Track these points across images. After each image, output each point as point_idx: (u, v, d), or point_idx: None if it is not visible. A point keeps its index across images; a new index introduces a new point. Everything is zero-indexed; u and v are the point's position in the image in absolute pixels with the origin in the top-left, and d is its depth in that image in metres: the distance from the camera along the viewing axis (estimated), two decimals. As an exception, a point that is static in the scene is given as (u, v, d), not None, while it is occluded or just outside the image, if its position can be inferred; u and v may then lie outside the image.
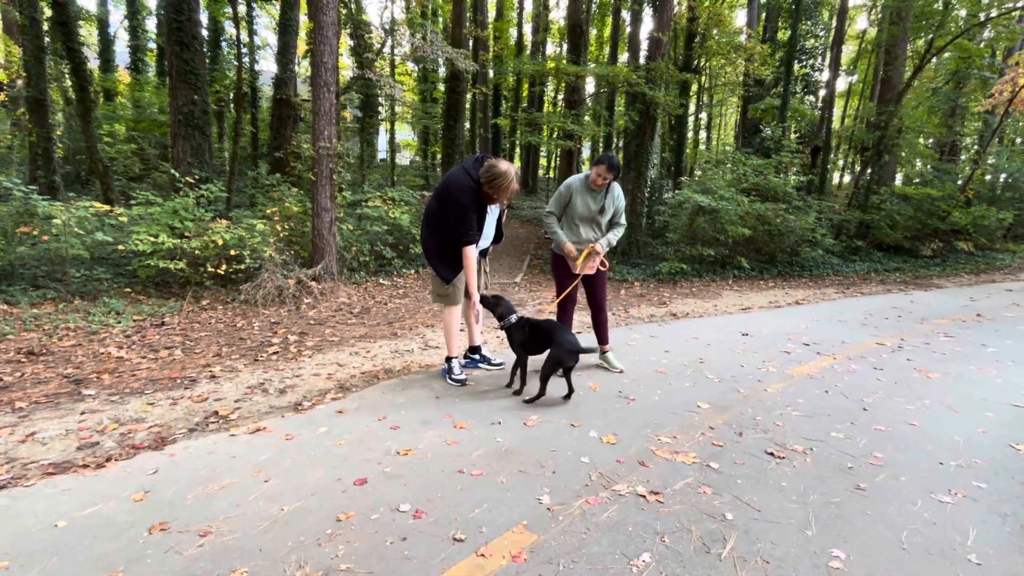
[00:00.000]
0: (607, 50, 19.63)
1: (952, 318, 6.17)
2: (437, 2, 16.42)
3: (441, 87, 17.85)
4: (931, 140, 15.96)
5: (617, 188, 3.64)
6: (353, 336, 4.74)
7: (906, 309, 6.71)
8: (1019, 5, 12.35)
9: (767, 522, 2.03)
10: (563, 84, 12.31)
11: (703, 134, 27.18)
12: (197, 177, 6.75)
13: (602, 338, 3.93)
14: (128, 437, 2.60)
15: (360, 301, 6.25)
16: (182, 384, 3.37)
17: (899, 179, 15.23)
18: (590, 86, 13.20)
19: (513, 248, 11.58)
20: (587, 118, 11.81)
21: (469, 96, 14.20)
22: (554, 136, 11.82)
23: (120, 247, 5.47)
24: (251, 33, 13.79)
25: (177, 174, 6.45)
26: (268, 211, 6.98)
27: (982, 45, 12.82)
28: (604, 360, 3.92)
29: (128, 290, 5.58)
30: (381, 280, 7.46)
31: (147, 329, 4.62)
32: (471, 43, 14.44)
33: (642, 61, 11.04)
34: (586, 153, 22.97)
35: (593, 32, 20.30)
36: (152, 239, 5.36)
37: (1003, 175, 13.95)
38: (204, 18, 13.94)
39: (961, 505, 2.21)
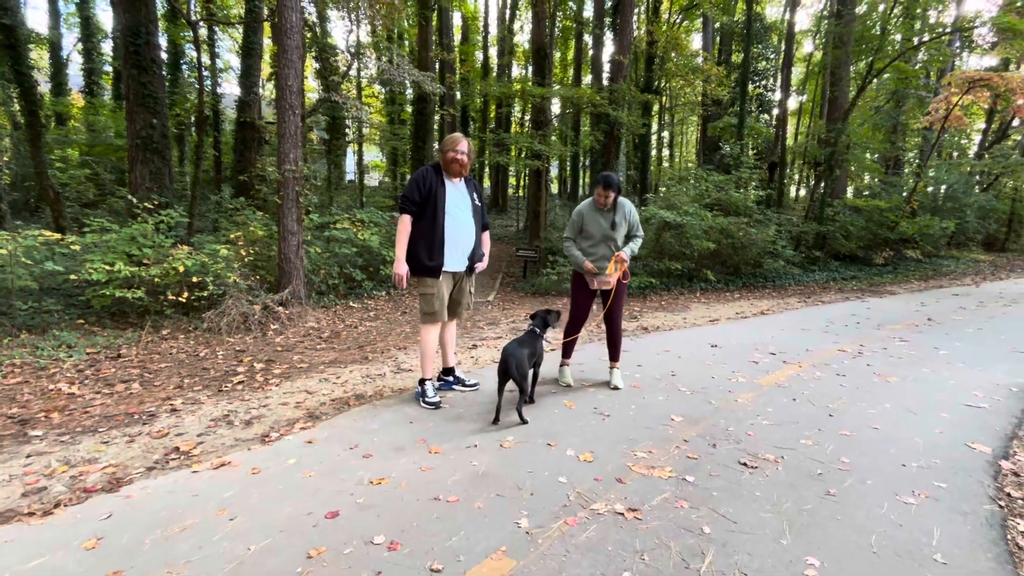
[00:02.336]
0: (571, 72, 20.19)
1: (906, 323, 6.46)
2: (403, 26, 16.60)
3: (409, 109, 17.94)
4: (877, 155, 16.92)
5: (628, 204, 3.76)
6: (322, 362, 4.62)
7: (864, 316, 6.99)
8: (948, 31, 13.36)
9: (743, 533, 2.05)
10: (529, 105, 12.55)
11: (666, 152, 28.07)
12: (156, 202, 6.54)
13: (612, 354, 3.95)
14: (79, 480, 2.44)
15: (329, 325, 6.11)
16: (140, 419, 3.20)
17: (850, 192, 16.04)
18: (556, 107, 13.51)
19: (485, 267, 11.58)
20: (554, 138, 12.04)
21: (437, 117, 14.32)
22: (522, 156, 12.02)
23: (72, 276, 5.21)
24: (213, 56, 13.60)
25: (135, 200, 6.24)
26: (232, 236, 6.81)
27: (918, 67, 13.77)
28: (610, 375, 3.93)
29: (81, 321, 5.31)
30: (351, 303, 7.32)
31: (102, 362, 4.39)
32: (438, 66, 14.63)
33: (605, 83, 11.38)
34: (554, 172, 23.37)
35: (557, 55, 20.85)
36: (107, 267, 5.13)
37: (943, 187, 14.88)
38: (163, 41, 13.71)
39: (925, 506, 2.29)
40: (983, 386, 3.95)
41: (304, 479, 2.43)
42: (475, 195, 3.56)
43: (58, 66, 14.88)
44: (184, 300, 5.59)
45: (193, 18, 9.07)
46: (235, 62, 15.28)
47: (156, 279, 5.39)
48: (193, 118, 13.66)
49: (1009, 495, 2.39)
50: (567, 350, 3.99)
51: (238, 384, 3.94)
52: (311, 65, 15.76)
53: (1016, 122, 16.04)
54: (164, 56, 13.52)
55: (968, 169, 15.47)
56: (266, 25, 11.19)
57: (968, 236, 15.28)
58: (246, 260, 6.48)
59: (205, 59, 13.67)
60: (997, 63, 16.91)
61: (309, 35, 12.45)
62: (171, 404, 3.46)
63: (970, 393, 3.80)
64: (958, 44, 15.00)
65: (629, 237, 3.81)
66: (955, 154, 19.16)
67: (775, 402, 3.56)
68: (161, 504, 2.21)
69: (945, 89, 11.87)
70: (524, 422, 3.10)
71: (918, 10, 14.38)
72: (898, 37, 13.27)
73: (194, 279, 5.62)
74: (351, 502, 2.23)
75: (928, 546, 2.00)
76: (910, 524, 2.14)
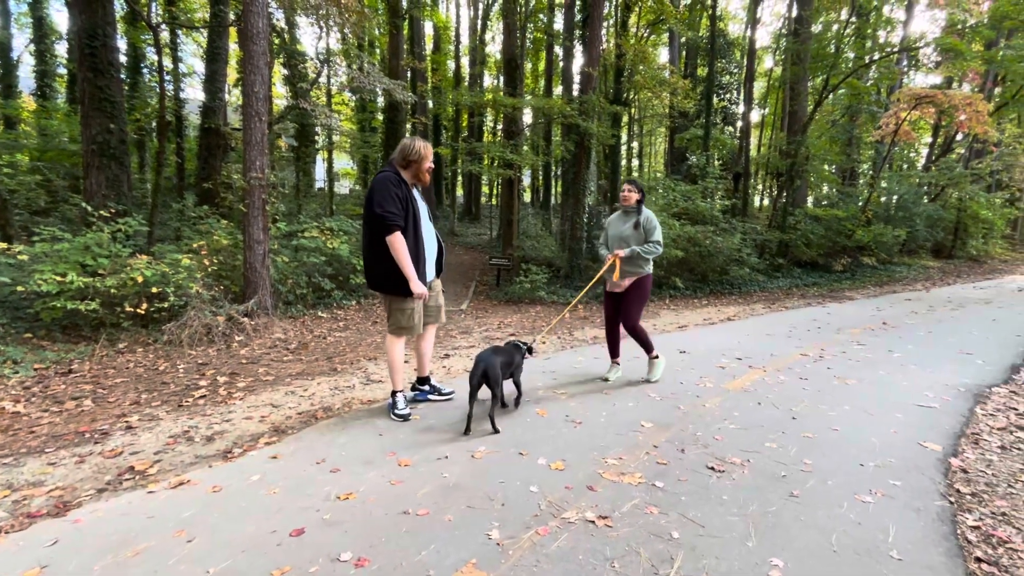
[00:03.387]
0: (542, 83, 20.44)
1: (863, 327, 6.73)
2: (374, 34, 16.52)
3: (380, 116, 17.81)
4: (834, 166, 17.68)
5: (648, 213, 4.10)
6: (289, 374, 4.50)
7: (824, 320, 7.25)
8: (896, 50, 14.14)
9: (711, 537, 2.09)
10: (501, 115, 12.64)
11: (635, 162, 28.66)
12: (113, 210, 6.28)
13: (610, 351, 4.37)
14: (23, 504, 2.30)
15: (297, 336, 5.96)
16: (91, 439, 3.05)
17: (810, 201, 16.69)
18: (527, 117, 13.64)
19: (458, 275, 11.54)
20: (526, 148, 12.14)
21: (409, 126, 14.26)
22: (494, 165, 12.08)
23: (20, 288, 4.93)
24: (175, 60, 13.25)
25: (90, 208, 5.98)
26: (195, 245, 6.58)
27: (869, 83, 14.48)
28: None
29: (29, 336, 5.03)
30: (320, 313, 7.17)
31: (51, 378, 4.16)
32: (409, 74, 14.60)
33: (575, 94, 11.56)
34: (527, 181, 23.54)
35: (528, 66, 21.09)
36: (58, 278, 4.89)
37: (895, 197, 15.64)
38: (123, 44, 13.26)
39: (881, 504, 2.37)
40: (933, 387, 4.14)
41: (268, 496, 2.35)
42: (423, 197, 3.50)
43: (8, 68, 14.23)
44: (143, 312, 5.38)
45: (154, 21, 8.82)
46: (200, 67, 14.88)
47: (112, 290, 5.16)
48: (154, 123, 13.22)
49: (958, 491, 2.51)
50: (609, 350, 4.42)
51: (200, 399, 3.80)
52: (279, 71, 15.52)
53: (959, 136, 17.03)
54: (123, 59, 13.08)
55: (917, 180, 16.33)
56: (232, 30, 10.95)
57: (918, 244, 16.07)
58: (210, 270, 6.27)
59: (167, 63, 13.27)
60: (941, 81, 17.97)
61: (277, 41, 12.25)
62: (126, 421, 3.31)
63: (922, 394, 3.97)
64: (905, 63, 15.89)
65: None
66: (905, 166, 20.21)
67: (741, 406, 3.65)
68: (112, 528, 2.10)
69: (894, 105, 12.53)
70: (496, 431, 3.09)
71: (869, 30, 15.19)
72: (851, 55, 13.96)
73: (154, 290, 5.41)
74: (317, 519, 2.17)
75: (884, 543, 2.08)
76: (868, 522, 2.22)
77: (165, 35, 12.92)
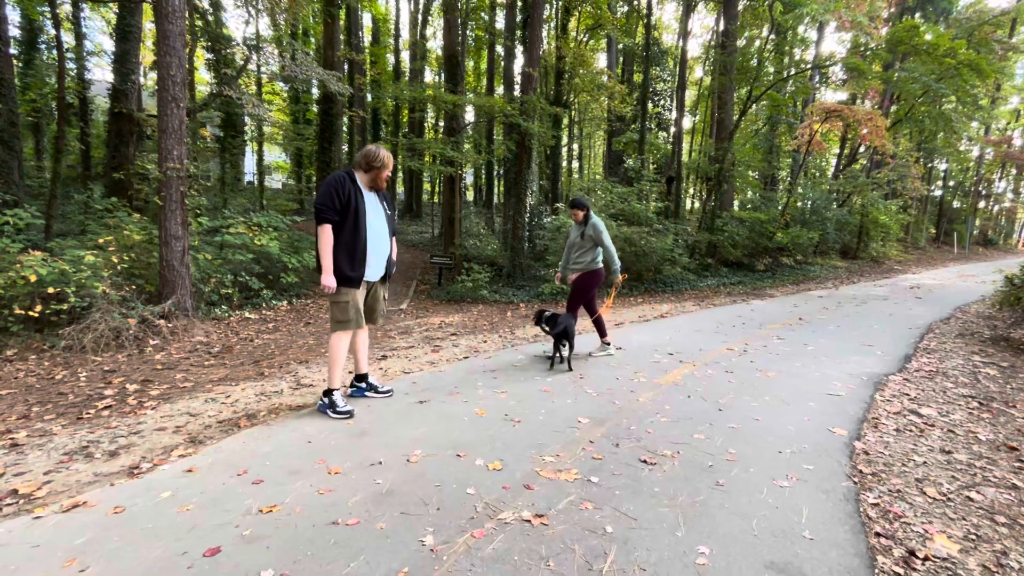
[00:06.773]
0: (484, 81, 20.40)
1: (782, 323, 7.23)
2: (308, 22, 15.79)
3: (315, 108, 17.06)
4: (757, 172, 18.92)
5: (592, 221, 4.84)
6: (210, 380, 4.19)
7: (748, 317, 7.72)
8: (809, 67, 15.34)
9: (643, 529, 2.14)
10: (442, 112, 12.47)
11: (576, 164, 29.29)
12: (-1, 201, 5.59)
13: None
14: None
15: (221, 339, 5.57)
16: (-34, 460, 2.67)
17: (736, 205, 17.76)
18: (469, 115, 13.56)
19: (399, 274, 11.27)
20: (467, 146, 12.06)
21: (345, 119, 13.76)
22: (436, 162, 11.91)
23: None
24: (79, 36, 12.01)
25: (-31, 197, 5.28)
26: (101, 240, 5.99)
27: (787, 96, 15.63)
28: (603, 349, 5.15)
29: None
30: (247, 314, 6.75)
31: (-83, 392, 3.63)
32: (346, 66, 14.08)
33: (516, 94, 11.63)
34: (469, 179, 23.43)
35: (471, 64, 20.98)
36: (-72, 278, 4.28)
37: (809, 202, 16.96)
38: (16, 16, 11.87)
39: (796, 488, 2.54)
40: (840, 376, 4.51)
41: (180, 514, 2.16)
42: (385, 203, 3.59)
43: None
44: (36, 314, 4.83)
45: (51, -9, 7.93)
46: (109, 45, 13.58)
47: (-3, 291, 4.60)
48: (54, 105, 11.92)
49: (861, 472, 2.74)
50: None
51: (104, 409, 3.45)
52: (203, 56, 14.47)
53: (862, 148, 18.75)
54: (16, 33, 11.71)
55: (827, 187, 17.79)
56: (147, 7, 10.07)
57: (829, 245, 17.51)
58: (119, 268, 5.73)
59: (70, 39, 12.03)
60: (847, 97, 19.71)
61: (200, 22, 11.42)
62: (11, 438, 2.94)
63: (831, 383, 4.31)
64: (817, 79, 17.29)
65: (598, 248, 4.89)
66: (817, 174, 21.97)
67: (672, 400, 3.80)
68: (-12, 561, 1.85)
69: (808, 117, 13.60)
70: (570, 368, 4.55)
71: (786, 47, 16.40)
72: (771, 69, 15.01)
73: (50, 289, 4.87)
74: (235, 535, 2.02)
75: (799, 524, 2.22)
76: (784, 505, 2.36)
77: (67, 8, 11.69)
